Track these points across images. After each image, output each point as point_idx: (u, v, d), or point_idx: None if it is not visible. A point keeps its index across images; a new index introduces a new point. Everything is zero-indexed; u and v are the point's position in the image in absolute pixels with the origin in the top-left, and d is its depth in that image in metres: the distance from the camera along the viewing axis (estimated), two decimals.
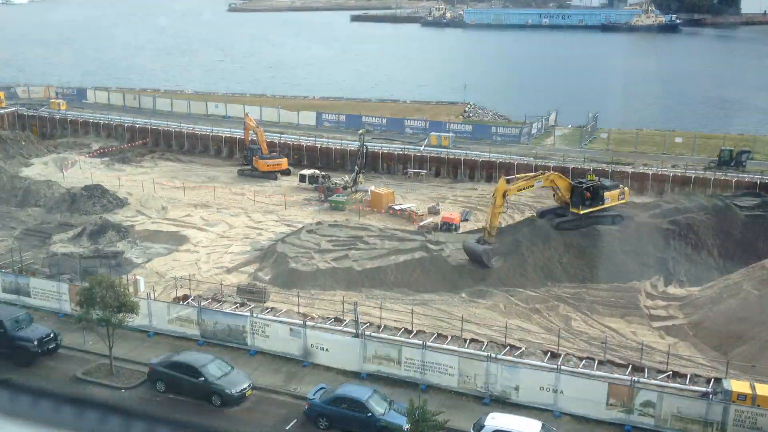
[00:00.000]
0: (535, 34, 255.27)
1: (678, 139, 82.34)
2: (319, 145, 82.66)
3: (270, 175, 75.38)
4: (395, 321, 39.67)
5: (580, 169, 72.35)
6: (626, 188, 56.66)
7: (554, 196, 54.70)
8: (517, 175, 56.93)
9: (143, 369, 34.53)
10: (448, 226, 58.46)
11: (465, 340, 37.57)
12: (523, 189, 52.37)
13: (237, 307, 41.70)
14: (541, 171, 57.99)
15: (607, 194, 52.90)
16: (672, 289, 47.74)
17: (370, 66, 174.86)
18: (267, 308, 41.80)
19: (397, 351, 34.38)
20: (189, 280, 44.56)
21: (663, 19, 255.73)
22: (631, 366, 34.94)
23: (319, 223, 58.34)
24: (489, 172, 74.97)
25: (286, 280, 48.11)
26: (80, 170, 76.56)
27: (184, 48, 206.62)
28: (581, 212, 51.95)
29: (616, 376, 33.70)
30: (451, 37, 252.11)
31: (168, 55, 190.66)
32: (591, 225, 51.73)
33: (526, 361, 34.80)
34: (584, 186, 52.94)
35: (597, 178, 56.21)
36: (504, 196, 50.18)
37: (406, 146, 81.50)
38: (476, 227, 59.91)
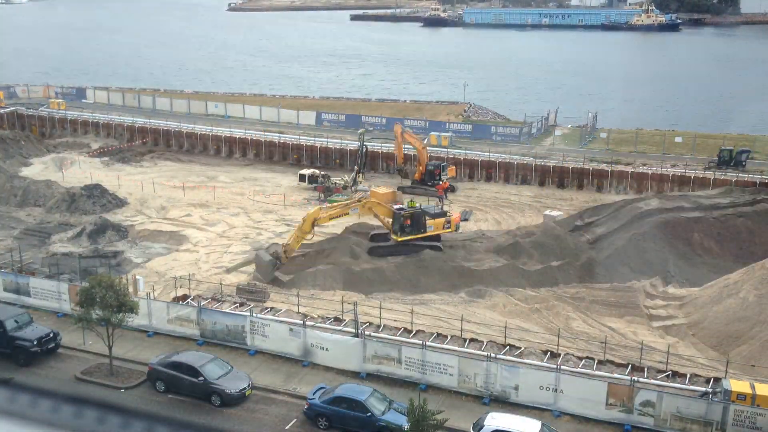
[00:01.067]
0: (535, 33, 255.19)
1: (678, 139, 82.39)
2: (318, 145, 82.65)
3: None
4: (395, 321, 39.61)
5: (579, 169, 72.56)
6: (454, 216, 54.57)
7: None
8: (331, 204, 55.35)
9: (143, 369, 34.45)
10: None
11: (465, 339, 37.52)
12: (336, 217, 50.51)
13: (236, 307, 41.64)
14: (357, 198, 55.87)
15: (430, 222, 51.79)
16: (672, 289, 47.73)
17: (371, 68, 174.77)
18: (266, 308, 41.73)
19: (396, 351, 34.34)
20: (188, 279, 44.50)
21: (663, 18, 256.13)
22: (630, 366, 34.86)
23: None
24: (489, 171, 75.03)
25: (285, 280, 48.07)
26: (80, 170, 76.53)
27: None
28: (399, 239, 51.04)
29: (615, 375, 33.62)
30: (450, 36, 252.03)
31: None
32: (411, 252, 50.42)
33: (525, 360, 34.71)
34: (403, 213, 51.52)
35: (419, 205, 53.92)
36: (314, 224, 48.81)
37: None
38: (476, 227, 59.95)
